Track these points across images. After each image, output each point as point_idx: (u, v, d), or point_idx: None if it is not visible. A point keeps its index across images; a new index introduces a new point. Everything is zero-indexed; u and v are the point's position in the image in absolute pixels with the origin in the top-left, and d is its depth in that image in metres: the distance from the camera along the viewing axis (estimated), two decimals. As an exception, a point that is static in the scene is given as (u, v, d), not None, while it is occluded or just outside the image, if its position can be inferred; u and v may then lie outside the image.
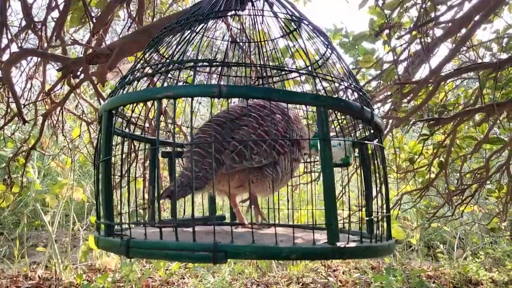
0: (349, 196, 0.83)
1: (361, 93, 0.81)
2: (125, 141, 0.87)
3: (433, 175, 2.63)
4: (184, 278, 3.12)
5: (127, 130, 0.88)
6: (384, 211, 0.82)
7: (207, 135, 0.86)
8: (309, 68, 0.74)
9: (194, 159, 0.80)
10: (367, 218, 0.81)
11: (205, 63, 0.81)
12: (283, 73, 1.09)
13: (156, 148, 0.94)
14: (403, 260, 3.75)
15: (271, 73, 1.08)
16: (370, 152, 0.83)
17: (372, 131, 0.83)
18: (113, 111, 0.73)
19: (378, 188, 0.80)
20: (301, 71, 0.80)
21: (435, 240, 4.13)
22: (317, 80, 0.88)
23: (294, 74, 1.08)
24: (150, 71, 0.82)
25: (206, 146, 0.82)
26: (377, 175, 0.81)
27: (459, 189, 2.70)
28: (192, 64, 0.73)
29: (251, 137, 0.83)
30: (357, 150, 0.95)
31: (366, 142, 0.83)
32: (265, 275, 3.25)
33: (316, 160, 1.17)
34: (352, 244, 0.65)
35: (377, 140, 0.82)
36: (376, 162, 0.81)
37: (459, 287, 3.00)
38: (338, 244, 0.63)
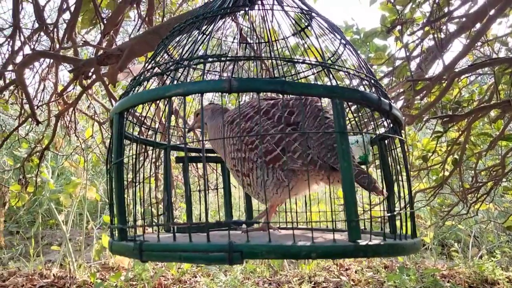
0: (369, 194, 0.81)
1: (378, 85, 0.78)
2: (137, 146, 0.86)
3: (447, 173, 2.59)
4: (196, 277, 3.14)
5: (138, 134, 0.88)
6: (407, 208, 0.78)
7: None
8: (323, 63, 0.71)
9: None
10: (389, 215, 0.78)
11: (215, 59, 0.80)
12: (293, 72, 1.08)
13: (167, 147, 0.91)
14: (416, 259, 3.71)
15: (283, 73, 1.07)
16: (390, 147, 0.79)
17: (391, 124, 0.80)
18: (124, 113, 0.73)
19: (400, 184, 0.77)
20: (314, 63, 0.77)
21: (450, 239, 4.07)
22: (331, 77, 0.86)
23: (306, 73, 1.06)
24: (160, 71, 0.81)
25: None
26: (398, 169, 0.78)
27: (474, 186, 2.65)
28: (201, 60, 0.71)
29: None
30: (375, 147, 0.92)
31: (388, 135, 0.79)
32: (277, 274, 3.25)
33: None
34: (375, 242, 0.62)
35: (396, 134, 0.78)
36: (396, 157, 0.77)
37: (474, 287, 2.95)
38: (360, 242, 0.61)
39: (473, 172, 2.72)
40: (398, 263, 3.51)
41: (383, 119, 0.81)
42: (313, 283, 3.04)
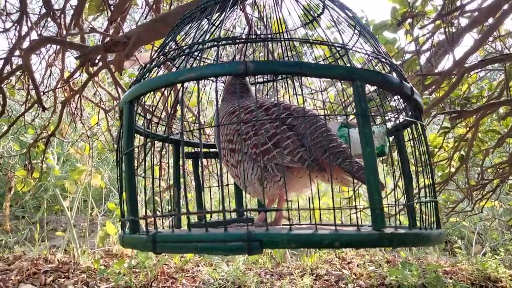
0: (395, 182, 0.80)
1: (398, 69, 0.75)
2: (148, 140, 0.84)
3: (453, 169, 2.57)
4: (198, 266, 3.16)
5: (148, 128, 0.86)
6: (426, 198, 0.76)
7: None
8: (342, 44, 0.68)
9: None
10: (409, 203, 0.75)
11: (229, 41, 0.77)
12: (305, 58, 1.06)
13: (181, 133, 0.88)
14: (419, 255, 3.71)
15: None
16: (416, 133, 0.76)
17: (412, 110, 0.76)
18: (134, 102, 0.70)
19: (423, 173, 0.75)
20: (332, 44, 0.71)
21: (453, 235, 4.06)
22: (347, 59, 0.83)
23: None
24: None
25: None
26: (419, 158, 0.75)
27: (480, 183, 2.64)
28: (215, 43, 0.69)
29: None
30: (391, 138, 0.89)
31: (411, 119, 0.75)
32: (279, 265, 3.26)
33: None
34: (401, 231, 0.59)
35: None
36: (420, 144, 0.75)
37: (477, 284, 2.94)
38: (385, 230, 0.57)
39: (479, 169, 2.70)
40: (400, 258, 3.51)
41: (404, 104, 0.78)
42: (314, 275, 3.05)
